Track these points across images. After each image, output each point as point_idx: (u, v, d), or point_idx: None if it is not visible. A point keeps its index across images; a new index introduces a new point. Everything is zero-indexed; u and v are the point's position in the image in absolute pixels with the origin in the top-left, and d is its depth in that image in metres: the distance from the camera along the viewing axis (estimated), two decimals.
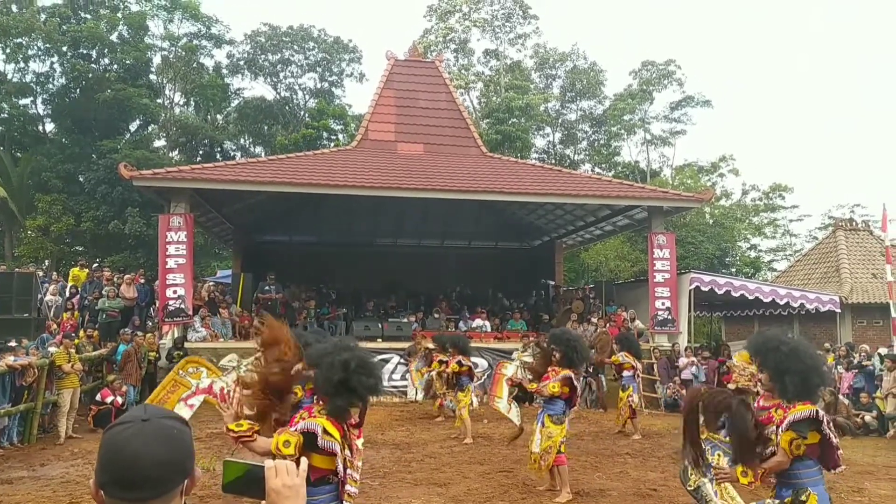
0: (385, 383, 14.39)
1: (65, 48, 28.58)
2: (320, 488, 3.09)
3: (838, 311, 18.01)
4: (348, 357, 3.23)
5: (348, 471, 3.14)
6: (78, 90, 28.83)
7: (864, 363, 12.92)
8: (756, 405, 3.94)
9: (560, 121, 39.66)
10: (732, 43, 69.75)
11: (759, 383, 3.91)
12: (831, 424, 3.68)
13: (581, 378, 10.07)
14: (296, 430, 3.11)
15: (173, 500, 1.39)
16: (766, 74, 69.96)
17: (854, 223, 26.44)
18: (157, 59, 32.26)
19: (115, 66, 29.83)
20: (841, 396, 12.32)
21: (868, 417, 12.00)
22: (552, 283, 21.66)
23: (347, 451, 3.15)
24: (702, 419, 3.96)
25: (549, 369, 6.89)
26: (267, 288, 16.22)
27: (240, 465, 1.57)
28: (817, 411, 3.66)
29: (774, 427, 3.66)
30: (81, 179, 28.11)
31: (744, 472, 3.62)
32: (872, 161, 64.00)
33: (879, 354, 13.22)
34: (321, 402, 3.28)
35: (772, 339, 3.85)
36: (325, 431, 3.06)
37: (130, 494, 1.35)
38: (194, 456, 1.45)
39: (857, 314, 21.35)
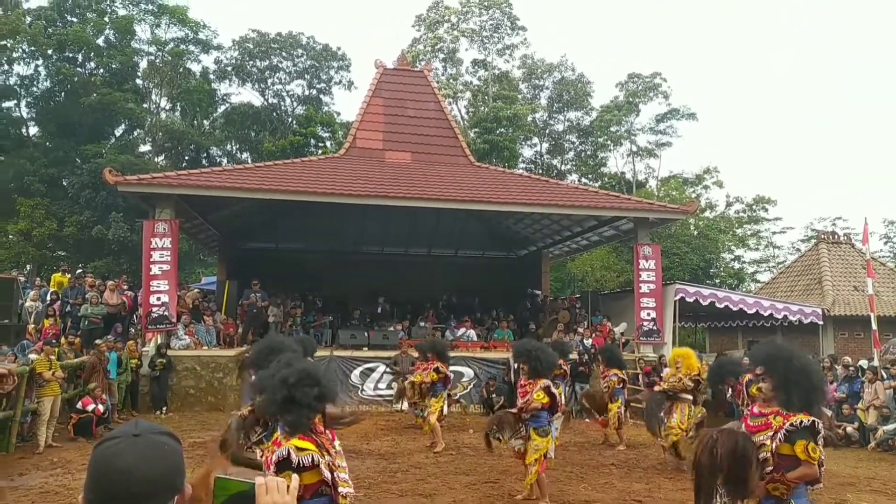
0: (370, 392, 14.32)
1: (50, 51, 28.36)
2: (315, 501, 3.06)
3: (821, 322, 18.20)
4: (286, 374, 3.23)
5: (336, 473, 3.12)
6: (63, 94, 28.60)
7: (850, 375, 13.05)
8: (750, 411, 3.97)
9: (547, 131, 39.93)
10: (717, 57, 70.68)
11: (759, 391, 3.92)
12: (821, 440, 3.71)
13: (566, 386, 10.12)
14: (276, 464, 3.05)
15: None
16: (751, 89, 70.93)
17: (836, 236, 26.80)
18: (143, 64, 32.13)
19: (101, 70, 29.63)
20: (823, 408, 12.42)
21: (850, 429, 12.11)
22: (538, 292, 21.71)
23: (328, 456, 3.13)
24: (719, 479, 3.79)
25: (524, 383, 6.91)
26: (252, 295, 16.08)
27: (232, 483, 1.54)
28: (815, 421, 3.69)
29: (771, 433, 3.67)
30: (65, 184, 27.83)
31: (774, 486, 3.61)
32: (855, 175, 65.04)
33: (861, 367, 13.37)
34: (281, 427, 3.26)
35: (784, 351, 3.88)
36: (297, 449, 3.04)
37: None
38: (185, 472, 1.43)
39: (840, 326, 21.61)
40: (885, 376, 12.49)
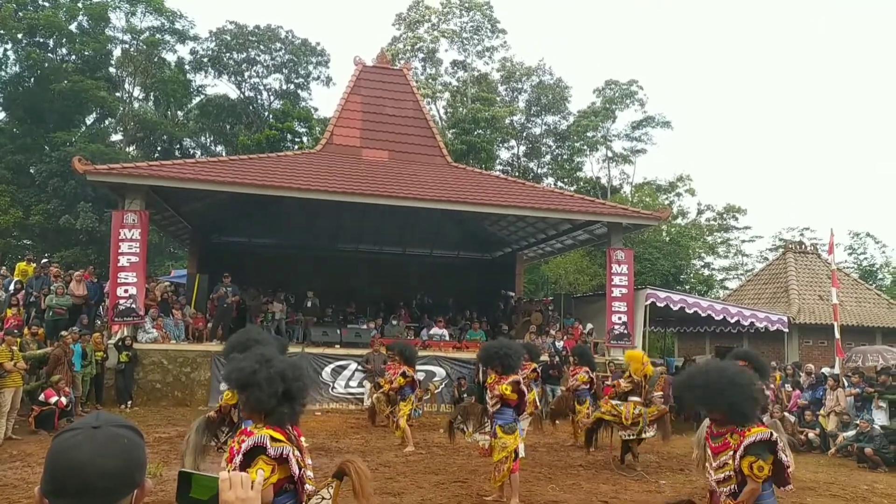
0: (341, 390, 14.24)
1: (20, 35, 27.65)
2: (279, 498, 3.03)
3: (786, 330, 18.57)
4: (283, 367, 3.24)
5: (303, 470, 3.11)
6: (32, 79, 27.92)
7: (813, 382, 13.33)
8: (709, 431, 4.03)
9: (525, 134, 40.13)
10: (693, 66, 71.78)
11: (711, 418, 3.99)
12: (784, 446, 3.78)
13: (534, 387, 10.16)
14: (246, 453, 3.00)
15: None
16: (725, 99, 72.17)
17: (803, 246, 27.38)
18: (117, 52, 31.52)
19: (73, 57, 29.01)
20: (787, 413, 12.69)
21: (811, 434, 12.38)
22: (512, 294, 21.80)
23: (297, 451, 3.12)
24: None
25: (500, 381, 6.91)
26: (222, 290, 15.83)
27: (200, 478, 1.51)
28: (771, 433, 3.76)
29: (732, 452, 3.74)
30: (32, 171, 27.17)
31: None
32: (823, 187, 66.55)
33: (823, 374, 13.67)
34: (259, 419, 3.22)
35: (701, 376, 3.95)
36: (272, 439, 3.02)
37: (74, 502, 1.30)
38: (145, 466, 1.40)
39: (804, 334, 22.09)
40: (846, 384, 12.80)
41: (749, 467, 3.64)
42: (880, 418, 11.69)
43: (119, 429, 1.38)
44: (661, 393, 11.06)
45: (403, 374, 10.26)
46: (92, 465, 1.30)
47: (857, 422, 11.59)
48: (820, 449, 12.13)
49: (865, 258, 37.57)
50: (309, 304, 17.67)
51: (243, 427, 3.49)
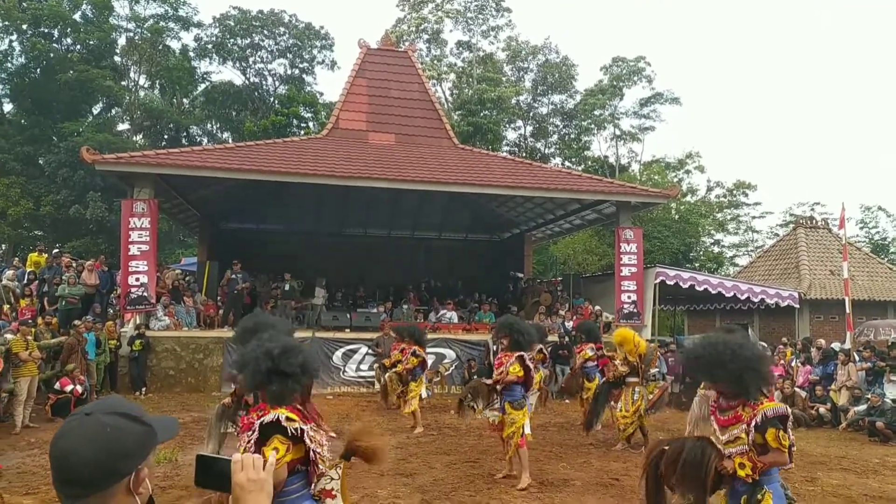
0: (352, 374, 14.35)
1: (24, 26, 27.65)
2: (290, 478, 3.05)
3: (797, 306, 18.49)
4: (269, 346, 3.22)
5: (319, 450, 3.10)
6: (38, 70, 27.94)
7: (824, 357, 13.30)
8: (715, 404, 4.02)
9: (531, 114, 39.85)
10: (702, 42, 70.83)
11: (719, 397, 3.93)
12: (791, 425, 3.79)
13: (542, 365, 10.17)
14: (262, 428, 3.01)
15: (114, 498, 1.36)
16: (733, 74, 71.27)
17: (814, 221, 27.16)
18: (121, 41, 31.50)
19: (78, 47, 28.99)
20: (797, 389, 12.69)
21: (822, 409, 12.38)
22: (521, 275, 21.80)
23: (313, 430, 3.11)
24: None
25: (501, 356, 7.00)
26: (233, 276, 15.93)
27: (212, 460, 1.54)
28: (786, 408, 3.78)
29: (744, 425, 3.73)
30: (41, 162, 27.31)
31: (741, 464, 3.67)
32: (833, 161, 65.84)
33: (834, 349, 13.63)
34: (262, 399, 3.25)
35: (716, 355, 3.83)
36: (286, 418, 3.02)
37: (64, 489, 1.34)
38: (139, 455, 1.39)
39: (815, 309, 21.98)
40: (857, 358, 12.77)
41: (776, 438, 3.65)
42: (891, 392, 11.67)
43: (108, 416, 1.38)
44: (657, 369, 11.03)
45: (415, 354, 10.33)
46: (74, 453, 1.32)
47: (868, 396, 11.58)
48: (831, 424, 12.14)
49: (877, 232, 37.28)
50: (287, 288, 17.19)
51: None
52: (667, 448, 3.88)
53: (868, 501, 6.81)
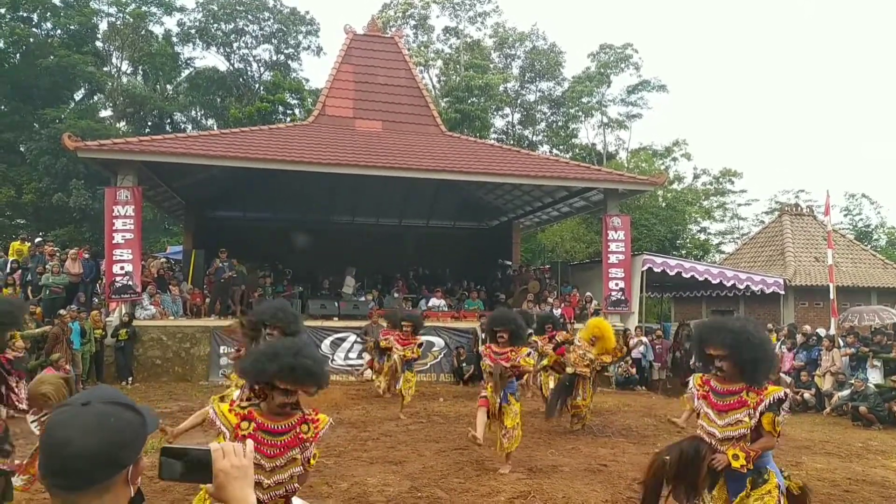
0: (341, 362, 14.32)
1: (3, 10, 27.09)
2: None
3: (782, 292, 18.66)
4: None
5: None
6: (18, 55, 27.43)
7: (809, 343, 13.45)
8: (706, 388, 4.02)
9: (519, 101, 39.74)
10: (688, 29, 70.86)
11: (720, 371, 3.92)
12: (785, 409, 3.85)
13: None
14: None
15: (111, 491, 1.33)
16: (719, 62, 71.42)
17: (799, 208, 27.39)
18: (103, 26, 30.93)
19: (59, 31, 28.47)
20: (783, 375, 12.83)
21: (807, 395, 12.54)
22: (509, 263, 21.82)
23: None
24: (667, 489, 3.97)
25: (507, 350, 6.91)
26: (220, 265, 15.80)
27: (184, 451, 1.50)
28: (785, 393, 3.85)
29: (749, 410, 3.75)
30: (23, 149, 26.89)
31: (735, 455, 3.71)
32: (817, 149, 66.35)
33: (819, 335, 13.79)
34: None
35: (743, 331, 3.84)
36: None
37: (60, 482, 1.30)
38: (138, 445, 1.37)
39: (800, 296, 22.21)
40: (841, 344, 12.93)
41: (771, 423, 3.73)
42: (874, 377, 11.84)
43: (110, 406, 1.35)
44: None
45: (419, 345, 10.45)
46: (71, 444, 1.28)
47: (852, 381, 11.74)
48: (815, 409, 12.31)
49: (861, 219, 37.71)
50: (234, 273, 16.03)
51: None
52: (667, 458, 3.91)
53: (852, 485, 6.90)
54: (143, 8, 31.44)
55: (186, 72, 34.63)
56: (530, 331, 9.49)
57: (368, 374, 13.18)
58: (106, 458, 1.30)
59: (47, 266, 13.97)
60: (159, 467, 1.47)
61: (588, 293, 17.17)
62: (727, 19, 72.38)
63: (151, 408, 1.52)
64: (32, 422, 4.85)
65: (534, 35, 38.93)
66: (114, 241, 13.58)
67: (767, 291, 18.19)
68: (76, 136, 14.29)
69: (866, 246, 28.92)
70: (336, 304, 15.85)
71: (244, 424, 3.13)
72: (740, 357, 3.79)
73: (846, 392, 11.74)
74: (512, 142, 35.74)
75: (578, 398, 8.98)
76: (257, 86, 35.31)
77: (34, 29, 27.96)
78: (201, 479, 1.51)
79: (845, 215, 37.69)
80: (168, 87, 34.09)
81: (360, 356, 14.12)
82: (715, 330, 3.95)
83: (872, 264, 24.39)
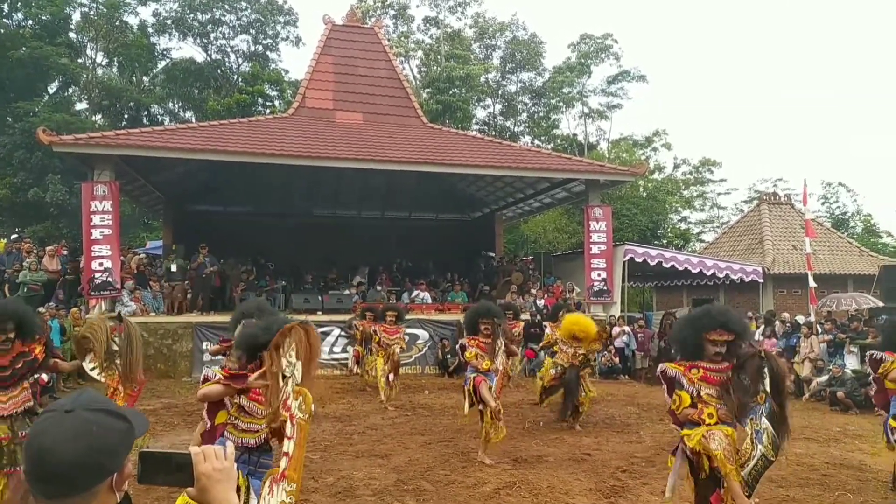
0: (325, 356, 14.27)
1: None
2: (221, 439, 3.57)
3: (761, 281, 18.92)
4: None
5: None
6: None
7: (788, 331, 13.65)
8: (703, 370, 4.28)
9: (500, 92, 39.67)
10: (667, 19, 71.13)
11: (718, 354, 4.24)
12: None
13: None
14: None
15: (96, 498, 1.33)
16: (698, 53, 71.82)
17: (777, 197, 27.72)
18: (76, 16, 30.26)
19: (30, 22, 27.82)
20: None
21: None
22: (492, 254, 21.87)
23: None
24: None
25: (487, 342, 7.03)
26: (202, 261, 15.63)
27: (163, 455, 1.50)
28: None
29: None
30: None
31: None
32: (795, 138, 67.11)
33: (797, 322, 14.00)
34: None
35: (741, 318, 4.40)
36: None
37: (44, 489, 1.30)
38: (123, 452, 1.37)
39: (779, 284, 22.54)
40: (819, 331, 13.14)
41: None
42: (851, 363, 12.06)
43: (92, 413, 1.34)
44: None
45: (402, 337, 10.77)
46: (54, 452, 1.28)
47: (830, 367, 11.95)
48: (794, 395, 12.49)
49: (838, 207, 38.24)
50: (173, 268, 15.80)
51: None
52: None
53: (830, 469, 7.04)
54: None
55: (163, 63, 34.05)
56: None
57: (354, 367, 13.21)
58: (90, 466, 1.30)
59: (24, 263, 13.73)
60: (138, 472, 1.46)
61: (570, 283, 17.27)
62: (707, 9, 72.78)
63: (139, 411, 1.50)
64: (92, 369, 5.12)
65: (514, 25, 38.86)
66: (92, 237, 13.38)
67: (747, 280, 18.43)
68: (51, 130, 14.03)
69: (843, 234, 29.37)
70: (320, 297, 15.78)
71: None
72: (743, 339, 4.23)
73: (824, 378, 11.95)
74: (493, 133, 35.71)
75: (581, 395, 9.06)
76: (236, 77, 34.84)
77: (5, 20, 27.33)
78: (182, 483, 1.50)
79: (822, 203, 38.24)
80: (144, 78, 33.51)
81: (344, 350, 14.09)
82: (725, 316, 4.30)
83: (849, 252, 24.79)
